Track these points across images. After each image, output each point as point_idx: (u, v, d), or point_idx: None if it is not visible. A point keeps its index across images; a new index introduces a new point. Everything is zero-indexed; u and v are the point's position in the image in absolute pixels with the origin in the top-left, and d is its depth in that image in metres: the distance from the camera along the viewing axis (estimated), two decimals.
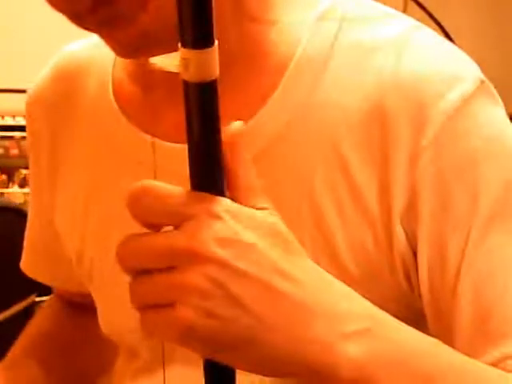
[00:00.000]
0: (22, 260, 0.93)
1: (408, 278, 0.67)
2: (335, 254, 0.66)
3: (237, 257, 0.49)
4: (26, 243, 0.93)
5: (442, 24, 1.86)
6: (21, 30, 2.45)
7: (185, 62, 0.48)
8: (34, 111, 0.84)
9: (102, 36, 0.64)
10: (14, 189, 2.50)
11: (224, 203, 0.51)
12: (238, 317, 0.49)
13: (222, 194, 0.52)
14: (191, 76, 0.49)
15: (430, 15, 1.52)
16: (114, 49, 0.65)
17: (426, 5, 1.89)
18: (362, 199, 0.65)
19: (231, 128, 0.53)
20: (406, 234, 0.65)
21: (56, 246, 0.85)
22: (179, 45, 0.48)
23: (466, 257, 0.63)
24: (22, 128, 2.47)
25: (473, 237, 0.63)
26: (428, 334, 0.59)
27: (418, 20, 0.73)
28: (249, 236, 0.50)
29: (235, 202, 0.52)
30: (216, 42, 0.49)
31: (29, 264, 0.93)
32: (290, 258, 0.52)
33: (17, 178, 2.52)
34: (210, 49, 0.48)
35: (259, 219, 0.52)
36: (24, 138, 2.51)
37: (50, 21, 2.64)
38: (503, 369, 0.60)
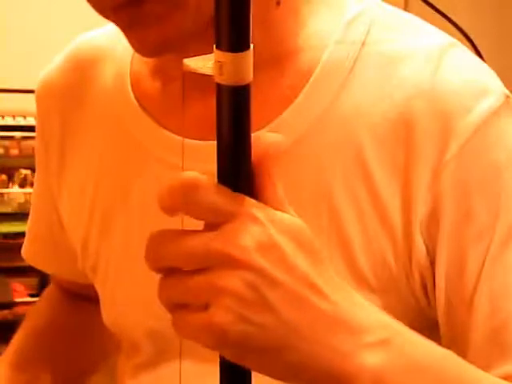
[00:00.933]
0: (23, 247, 0.93)
1: (425, 288, 0.67)
2: (353, 261, 0.66)
3: (273, 265, 0.50)
4: (28, 231, 0.92)
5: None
6: (21, 30, 2.44)
7: (219, 65, 0.48)
8: (45, 100, 0.83)
9: (130, 33, 0.63)
10: (14, 189, 2.50)
11: (262, 207, 0.51)
12: (271, 324, 0.50)
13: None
14: (225, 79, 0.48)
15: (435, 8, 1.51)
16: (139, 47, 0.64)
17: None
18: (383, 209, 0.65)
19: (269, 138, 0.52)
20: (426, 246, 0.65)
21: (60, 236, 0.85)
22: (214, 47, 0.48)
23: (485, 269, 0.63)
24: (22, 128, 2.47)
25: (492, 250, 0.63)
26: (440, 344, 0.59)
27: (421, 15, 0.73)
28: (285, 243, 0.50)
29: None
30: (252, 46, 0.48)
31: (30, 252, 0.93)
32: (317, 268, 0.52)
33: (17, 178, 2.51)
34: (245, 52, 0.48)
35: (293, 226, 0.52)
36: (24, 138, 2.50)
37: (51, 21, 2.63)
38: None
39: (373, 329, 0.53)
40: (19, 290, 2.53)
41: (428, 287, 0.66)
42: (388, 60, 0.67)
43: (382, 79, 0.66)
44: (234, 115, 0.50)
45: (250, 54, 0.48)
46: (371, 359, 0.52)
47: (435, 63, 0.66)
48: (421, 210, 0.64)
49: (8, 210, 2.50)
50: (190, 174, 0.50)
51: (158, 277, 0.52)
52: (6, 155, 2.49)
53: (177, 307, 0.51)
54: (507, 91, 0.67)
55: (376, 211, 0.65)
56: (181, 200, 0.50)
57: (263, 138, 0.52)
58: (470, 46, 0.75)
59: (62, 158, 0.81)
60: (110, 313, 0.80)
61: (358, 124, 0.66)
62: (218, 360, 0.53)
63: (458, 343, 0.64)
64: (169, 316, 0.52)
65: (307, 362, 0.51)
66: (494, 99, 0.65)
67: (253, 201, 0.51)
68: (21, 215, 2.39)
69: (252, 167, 0.52)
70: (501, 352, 0.62)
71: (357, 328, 0.53)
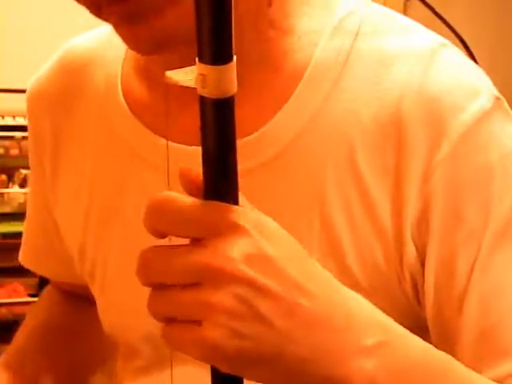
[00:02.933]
0: (20, 253, 0.93)
1: (416, 290, 0.67)
2: (343, 263, 0.66)
3: (263, 274, 0.49)
4: (25, 236, 0.93)
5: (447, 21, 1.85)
6: (21, 30, 2.44)
7: (202, 78, 0.48)
8: (35, 107, 0.83)
9: (122, 29, 0.63)
10: (14, 189, 2.49)
11: (245, 214, 0.51)
12: (265, 335, 0.50)
13: (236, 203, 0.52)
14: (208, 92, 0.48)
15: (434, 11, 1.51)
16: (132, 43, 0.64)
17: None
18: (374, 211, 0.65)
19: None
20: (416, 247, 0.65)
21: (55, 241, 0.85)
22: (196, 60, 0.48)
23: (475, 271, 0.63)
24: (22, 128, 2.46)
25: (482, 252, 0.63)
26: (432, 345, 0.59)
27: (420, 18, 0.73)
28: (271, 250, 0.50)
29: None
30: (234, 58, 0.48)
31: (28, 256, 0.93)
32: (306, 271, 0.52)
33: (17, 178, 2.51)
34: (228, 65, 0.47)
35: (277, 231, 0.52)
36: (24, 137, 2.50)
37: (51, 21, 2.63)
38: None
39: (367, 331, 0.53)
40: (19, 290, 2.53)
41: (419, 289, 0.66)
42: (378, 60, 0.66)
43: (373, 79, 0.66)
44: (219, 127, 0.50)
45: (233, 66, 0.48)
46: (366, 363, 0.52)
47: (426, 64, 0.66)
48: (411, 212, 0.64)
49: (8, 210, 2.50)
50: (161, 195, 0.50)
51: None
52: (6, 155, 2.49)
53: (167, 320, 0.51)
54: (497, 92, 0.67)
55: (367, 213, 0.65)
56: (159, 221, 0.50)
57: None
58: (464, 49, 0.75)
59: (56, 165, 0.81)
60: (107, 317, 0.80)
61: (349, 125, 0.65)
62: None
63: (447, 344, 0.64)
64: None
65: (303, 368, 0.51)
66: (485, 100, 0.65)
67: (234, 208, 0.50)
68: (21, 215, 2.37)
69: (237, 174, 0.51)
70: (491, 353, 0.62)
71: (352, 331, 0.53)
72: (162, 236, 0.51)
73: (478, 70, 0.69)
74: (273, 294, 0.50)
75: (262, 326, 0.49)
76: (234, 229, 0.50)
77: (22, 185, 2.49)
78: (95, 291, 0.81)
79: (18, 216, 2.45)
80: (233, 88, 0.49)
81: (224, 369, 0.51)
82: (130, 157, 0.74)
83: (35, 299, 1.96)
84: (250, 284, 0.49)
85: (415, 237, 0.65)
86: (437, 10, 1.90)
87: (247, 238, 0.50)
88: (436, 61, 0.66)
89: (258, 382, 0.52)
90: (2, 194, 2.49)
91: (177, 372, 0.72)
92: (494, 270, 0.63)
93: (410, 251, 0.65)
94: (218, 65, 0.47)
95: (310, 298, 0.51)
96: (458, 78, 0.66)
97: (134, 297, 0.73)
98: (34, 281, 2.49)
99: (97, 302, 0.81)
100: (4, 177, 2.51)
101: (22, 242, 0.94)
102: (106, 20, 0.63)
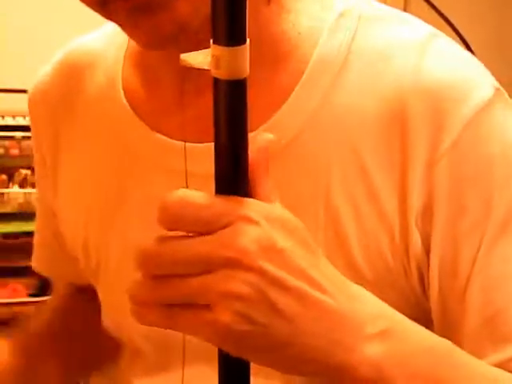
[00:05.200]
0: (32, 258, 0.94)
1: (422, 280, 0.68)
2: (349, 256, 0.67)
3: (274, 264, 0.50)
4: (35, 241, 0.93)
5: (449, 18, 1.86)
6: (21, 30, 2.44)
7: (216, 60, 0.48)
8: (37, 108, 0.84)
9: (129, 24, 0.63)
10: (14, 189, 2.49)
11: (255, 205, 0.51)
12: (275, 322, 0.51)
13: (247, 195, 0.52)
14: (222, 74, 0.49)
15: (435, 8, 1.51)
16: (139, 38, 0.64)
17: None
18: (379, 202, 0.66)
19: (262, 139, 0.53)
20: (422, 237, 0.66)
21: (62, 242, 0.86)
22: (211, 42, 0.48)
23: (478, 261, 0.64)
24: (22, 128, 2.46)
25: (485, 242, 0.64)
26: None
27: (422, 16, 0.73)
28: (282, 240, 0.51)
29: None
30: (248, 40, 0.49)
31: (39, 261, 0.93)
32: (314, 262, 0.53)
33: (17, 178, 2.51)
34: (242, 47, 0.48)
35: (286, 220, 0.53)
36: (24, 138, 2.50)
37: (50, 20, 2.63)
38: (509, 370, 0.62)
39: (372, 320, 0.54)
40: (19, 290, 2.53)
41: (425, 279, 0.67)
42: (378, 55, 0.67)
43: (372, 73, 0.67)
44: (232, 109, 0.50)
45: (246, 49, 0.49)
46: (371, 350, 0.53)
47: (425, 57, 0.67)
48: (416, 204, 0.65)
49: (8, 209, 2.50)
50: (170, 195, 0.51)
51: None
52: (6, 155, 2.49)
53: (177, 306, 0.52)
54: (497, 83, 0.68)
55: (373, 207, 0.66)
56: (173, 221, 0.51)
57: (257, 137, 0.53)
58: (466, 47, 0.75)
59: (57, 165, 0.82)
60: (110, 316, 0.80)
61: (351, 119, 0.66)
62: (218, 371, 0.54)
63: (450, 333, 0.65)
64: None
65: (310, 356, 0.53)
66: (485, 91, 0.66)
67: (245, 200, 0.51)
68: (21, 215, 2.39)
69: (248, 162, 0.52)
70: (493, 340, 0.63)
71: (357, 320, 0.54)
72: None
73: (477, 61, 0.70)
74: (283, 284, 0.51)
75: (273, 315, 0.50)
76: (245, 220, 0.50)
77: (22, 185, 2.49)
78: (99, 290, 0.81)
79: (18, 216, 2.45)
80: (246, 70, 0.49)
81: (234, 352, 0.52)
82: (132, 156, 0.74)
83: (35, 299, 1.96)
84: (262, 273, 0.50)
85: (420, 229, 0.66)
86: (438, 6, 1.90)
87: (258, 228, 0.50)
88: (430, 52, 0.67)
89: (262, 365, 0.54)
90: (2, 194, 2.49)
91: (180, 372, 0.73)
92: (497, 259, 0.64)
93: (416, 241, 0.66)
94: (232, 46, 0.48)
95: (319, 290, 0.52)
96: (457, 71, 0.67)
97: None
98: (33, 281, 2.49)
99: (101, 301, 0.81)
100: (4, 177, 2.51)
101: (34, 248, 0.94)
102: (111, 17, 0.63)
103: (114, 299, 0.78)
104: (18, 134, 2.45)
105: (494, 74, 0.69)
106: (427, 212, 0.65)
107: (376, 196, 0.66)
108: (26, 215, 2.30)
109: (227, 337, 0.50)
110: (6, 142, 2.47)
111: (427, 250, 0.66)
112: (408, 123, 0.65)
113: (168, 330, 0.70)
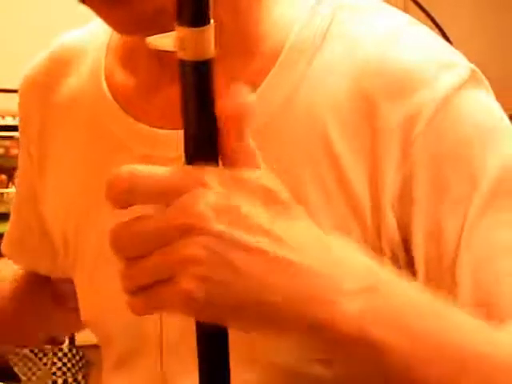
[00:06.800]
0: (3, 242, 0.95)
1: (396, 261, 0.67)
2: None
3: (230, 224, 0.50)
4: (10, 226, 0.94)
5: (441, 25, 1.87)
6: (20, 30, 2.45)
7: (181, 41, 0.49)
8: (25, 95, 0.85)
9: (104, 12, 0.64)
10: (14, 189, 2.50)
11: (210, 170, 0.51)
12: (235, 281, 0.50)
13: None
14: (188, 54, 0.50)
15: (428, 15, 1.53)
16: (115, 26, 0.66)
17: (424, 6, 1.90)
18: (351, 191, 0.66)
19: (241, 97, 0.53)
20: (398, 221, 0.66)
21: (37, 236, 0.87)
22: (176, 23, 0.49)
23: (463, 239, 0.64)
24: None
25: (469, 220, 0.64)
26: None
27: (420, 17, 0.74)
28: (239, 201, 0.51)
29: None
30: (212, 21, 0.49)
31: (9, 247, 0.95)
32: (281, 220, 0.52)
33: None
34: (206, 27, 0.49)
35: (248, 181, 0.52)
36: None
37: (50, 20, 2.64)
38: None
39: (353, 276, 0.53)
40: None
41: (400, 260, 0.67)
42: (353, 40, 0.68)
43: (344, 58, 0.67)
44: (198, 90, 0.51)
45: (210, 29, 0.49)
46: (351, 306, 0.52)
47: (398, 40, 0.67)
48: (392, 189, 0.65)
49: (7, 209, 2.50)
50: (117, 170, 0.51)
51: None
52: (6, 155, 2.50)
53: (145, 288, 0.51)
54: (473, 65, 0.68)
55: (343, 194, 0.66)
56: (123, 192, 0.51)
57: (235, 97, 0.52)
58: (468, 51, 0.75)
59: (43, 154, 0.82)
60: (86, 308, 0.80)
61: (323, 106, 0.67)
62: (197, 357, 0.54)
63: None
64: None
65: (282, 314, 0.52)
66: (458, 73, 0.66)
67: (201, 167, 0.51)
68: None
69: (221, 128, 0.52)
70: (487, 314, 0.62)
71: (336, 276, 0.53)
72: (123, 206, 0.52)
73: (449, 45, 0.70)
74: (239, 243, 0.50)
75: (230, 272, 0.50)
76: (198, 184, 0.50)
77: None
78: (76, 282, 0.81)
79: None
80: (211, 51, 0.50)
81: (201, 318, 0.52)
82: (112, 144, 0.74)
83: None
84: (217, 235, 0.50)
85: (398, 213, 0.65)
86: (433, 13, 1.92)
87: (211, 191, 0.50)
88: (401, 38, 0.68)
89: (237, 328, 0.53)
90: (2, 193, 2.51)
91: (153, 366, 0.73)
92: (482, 236, 0.64)
93: (391, 225, 0.66)
94: (196, 27, 0.49)
95: (285, 247, 0.52)
96: (428, 53, 0.67)
97: (112, 287, 0.75)
98: None
99: (78, 294, 0.82)
100: (4, 177, 2.52)
101: (6, 233, 0.95)
102: (88, 5, 0.65)
103: (92, 291, 0.78)
104: (18, 134, 2.46)
105: (492, 77, 0.69)
106: (405, 195, 0.65)
107: (347, 183, 0.66)
108: None
109: (194, 303, 0.50)
110: (6, 142, 2.49)
111: (404, 235, 0.66)
112: (378, 108, 0.65)
113: (144, 325, 0.71)
